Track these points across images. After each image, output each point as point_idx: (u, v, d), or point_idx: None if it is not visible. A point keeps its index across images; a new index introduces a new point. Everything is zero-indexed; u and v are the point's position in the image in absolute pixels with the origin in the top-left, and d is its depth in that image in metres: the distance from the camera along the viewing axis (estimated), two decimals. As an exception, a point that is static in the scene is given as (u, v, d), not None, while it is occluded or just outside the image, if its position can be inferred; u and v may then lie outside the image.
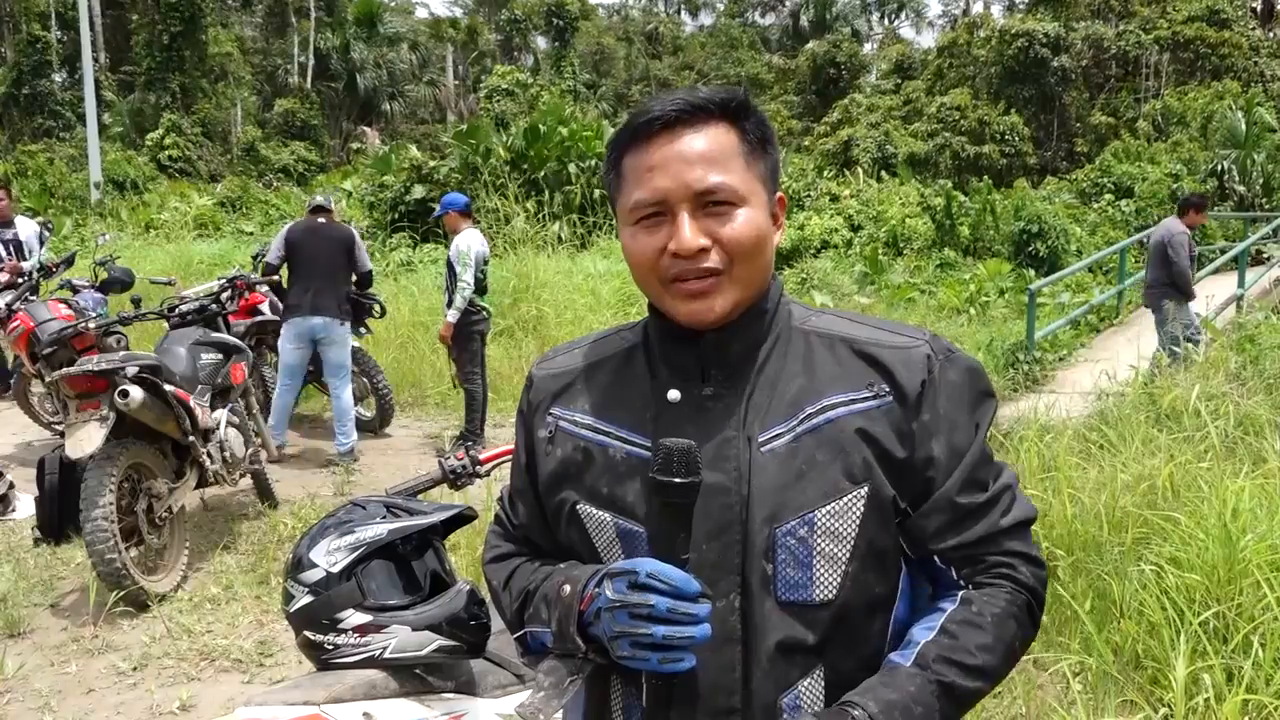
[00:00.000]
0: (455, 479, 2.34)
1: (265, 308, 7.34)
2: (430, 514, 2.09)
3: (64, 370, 4.59)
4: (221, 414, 5.27)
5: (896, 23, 53.88)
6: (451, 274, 6.85)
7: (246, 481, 5.74)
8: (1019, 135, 26.68)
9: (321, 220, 6.94)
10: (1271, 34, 30.02)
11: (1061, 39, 27.51)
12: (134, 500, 4.64)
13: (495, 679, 2.11)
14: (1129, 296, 12.85)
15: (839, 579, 1.18)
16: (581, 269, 11.61)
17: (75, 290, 7.58)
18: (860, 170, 23.31)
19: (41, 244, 8.45)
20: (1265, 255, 14.30)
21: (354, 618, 1.94)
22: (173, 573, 4.73)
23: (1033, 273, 13.82)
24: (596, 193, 15.77)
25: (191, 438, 4.85)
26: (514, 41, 48.08)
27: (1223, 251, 13.81)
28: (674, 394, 1.22)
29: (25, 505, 5.75)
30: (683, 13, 60.25)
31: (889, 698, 1.13)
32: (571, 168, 15.90)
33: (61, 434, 5.11)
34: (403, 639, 1.94)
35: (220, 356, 5.36)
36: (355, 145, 34.18)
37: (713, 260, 1.18)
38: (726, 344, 1.23)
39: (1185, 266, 8.42)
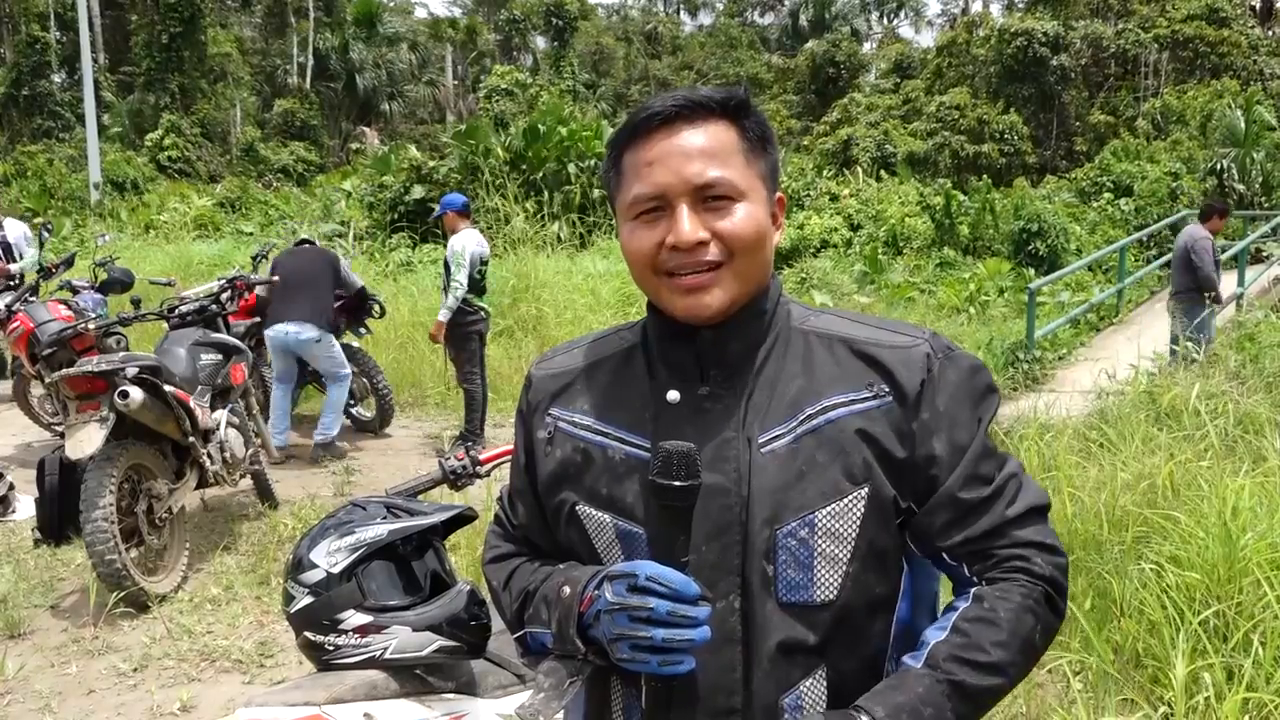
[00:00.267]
0: (455, 479, 2.35)
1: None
2: (430, 514, 2.09)
3: (64, 371, 4.60)
4: (221, 414, 5.27)
5: (896, 22, 53.90)
6: (449, 274, 6.85)
7: (246, 482, 5.74)
8: (1018, 134, 26.67)
9: (305, 245, 7.19)
10: (1270, 32, 30.01)
11: (1060, 38, 27.50)
12: (134, 501, 4.64)
13: (496, 679, 2.11)
14: (1129, 295, 12.85)
15: (840, 580, 1.18)
16: (581, 269, 11.61)
17: (75, 291, 7.58)
18: (859, 169, 23.30)
19: (41, 245, 8.45)
20: (1265, 254, 14.30)
21: (354, 618, 1.94)
22: (173, 573, 4.73)
23: (1032, 271, 13.81)
24: (596, 192, 15.77)
25: (191, 438, 4.85)
26: (513, 41, 48.07)
27: (1222, 250, 13.79)
28: (673, 395, 1.22)
29: (25, 506, 5.76)
30: (682, 12, 60.25)
31: (896, 700, 1.13)
32: (571, 168, 15.89)
33: (61, 435, 5.11)
34: (403, 639, 1.95)
35: (220, 357, 5.36)
36: (354, 145, 34.18)
37: (712, 254, 1.18)
38: (725, 343, 1.23)
39: (1210, 271, 8.44)
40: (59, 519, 5.12)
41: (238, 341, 5.67)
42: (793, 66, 39.68)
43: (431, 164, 16.54)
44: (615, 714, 1.27)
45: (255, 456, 5.60)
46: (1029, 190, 19.30)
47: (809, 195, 18.49)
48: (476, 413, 7.11)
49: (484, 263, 7.01)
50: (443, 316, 6.87)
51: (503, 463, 2.37)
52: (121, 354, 5.05)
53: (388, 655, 1.94)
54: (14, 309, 6.93)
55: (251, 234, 17.84)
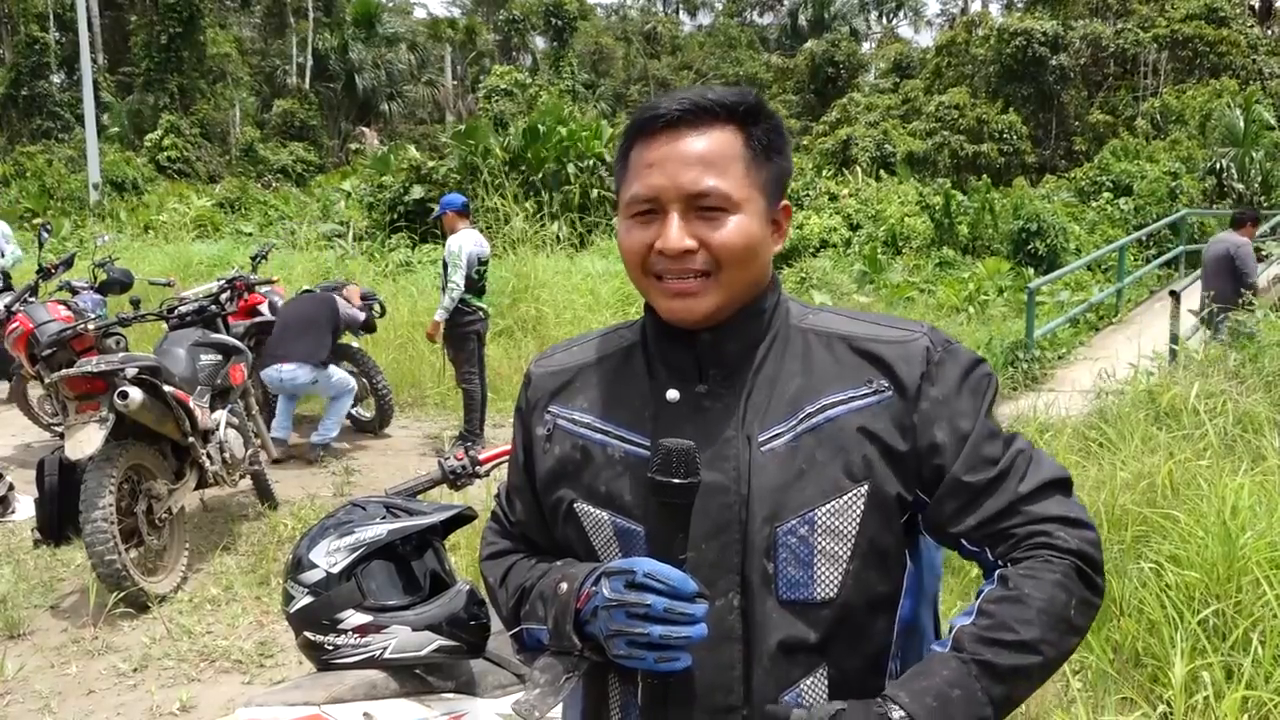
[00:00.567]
0: (455, 479, 2.35)
1: (264, 308, 7.35)
2: (430, 514, 2.09)
3: (63, 372, 4.60)
4: (221, 415, 5.27)
5: (895, 22, 53.88)
6: (447, 274, 6.86)
7: (246, 482, 5.74)
8: (1017, 134, 26.66)
9: (306, 294, 7.25)
10: (1270, 32, 30.02)
11: (1060, 37, 27.49)
12: (134, 501, 4.64)
13: (495, 679, 2.11)
14: (1128, 294, 12.85)
15: (840, 577, 1.18)
16: (580, 269, 11.62)
17: (74, 291, 7.59)
18: (859, 169, 23.30)
19: (40, 245, 8.44)
20: (1264, 253, 14.29)
21: (354, 618, 1.94)
22: (172, 574, 4.73)
23: (1032, 271, 13.81)
24: (595, 192, 15.77)
25: (191, 439, 4.85)
26: (512, 41, 48.05)
27: (1221, 249, 13.79)
28: (673, 394, 1.23)
29: (25, 507, 5.75)
30: (681, 12, 60.23)
31: (921, 685, 1.11)
32: (570, 168, 15.90)
33: (61, 435, 5.12)
34: (403, 639, 1.95)
35: (219, 357, 5.36)
36: (354, 146, 34.16)
37: (699, 262, 1.18)
38: (723, 343, 1.23)
39: (1257, 278, 8.36)
40: (59, 519, 5.12)
41: (237, 342, 5.67)
42: (792, 66, 39.67)
43: (431, 164, 16.54)
44: (613, 711, 1.27)
45: (255, 457, 5.60)
46: (1028, 190, 19.31)
47: (808, 195, 18.49)
48: (476, 413, 7.11)
49: (483, 263, 7.01)
50: (439, 317, 6.88)
51: (502, 462, 2.37)
52: (121, 354, 5.05)
53: (387, 655, 1.94)
54: (13, 309, 6.93)
55: (251, 234, 17.84)
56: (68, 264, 8.03)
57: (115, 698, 3.78)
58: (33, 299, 7.14)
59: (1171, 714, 3.03)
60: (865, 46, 46.63)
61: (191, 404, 4.86)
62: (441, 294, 6.91)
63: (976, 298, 12.59)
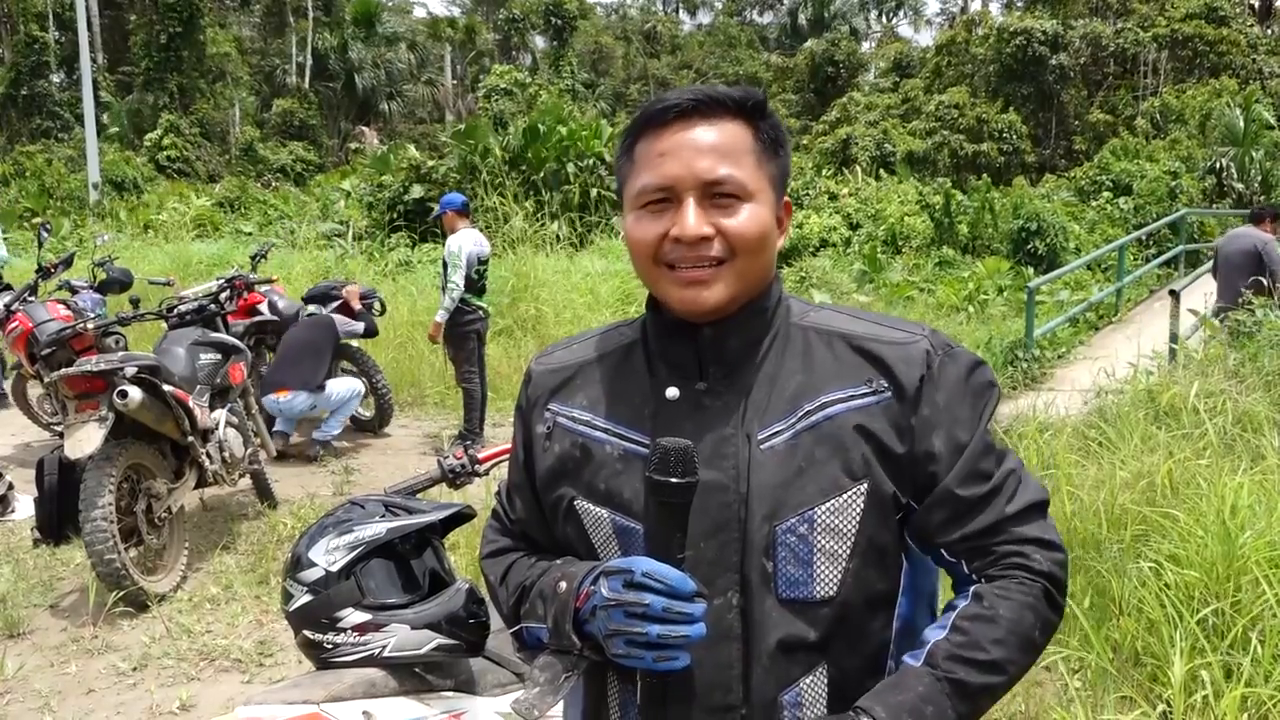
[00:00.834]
0: (454, 478, 2.35)
1: (264, 308, 7.35)
2: (429, 513, 2.09)
3: (62, 371, 4.59)
4: (220, 414, 5.27)
5: (895, 21, 53.87)
6: (447, 274, 6.86)
7: (246, 481, 5.74)
8: (1017, 133, 26.67)
9: (309, 317, 7.25)
10: (1269, 31, 30.02)
11: (1060, 37, 27.50)
12: (133, 500, 4.64)
13: (495, 677, 2.11)
14: (1127, 294, 12.84)
15: (840, 576, 1.18)
16: (580, 268, 11.62)
17: (74, 291, 7.58)
18: (859, 168, 23.29)
19: (40, 245, 8.44)
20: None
21: (353, 616, 1.94)
22: (172, 573, 4.73)
23: (1031, 270, 13.80)
24: (595, 192, 15.76)
25: (190, 438, 4.85)
26: (512, 41, 48.03)
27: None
28: (672, 391, 1.23)
29: (24, 506, 5.75)
30: (680, 11, 60.23)
31: (897, 700, 1.13)
32: (570, 167, 15.89)
33: (60, 435, 5.11)
34: (402, 638, 1.95)
35: (219, 356, 5.36)
36: (354, 145, 34.13)
37: (714, 250, 1.18)
38: (724, 340, 1.23)
39: None
40: (58, 518, 5.12)
41: (236, 341, 5.67)
42: (791, 65, 39.66)
43: (431, 163, 16.53)
44: (612, 710, 1.27)
45: (254, 456, 5.60)
46: (1028, 189, 19.31)
47: (808, 194, 18.49)
48: (475, 412, 7.11)
49: (482, 262, 7.01)
50: (440, 318, 6.88)
51: (501, 461, 2.37)
52: (120, 354, 5.05)
53: (386, 653, 1.94)
54: (13, 309, 6.93)
55: (250, 234, 17.84)
56: (67, 263, 8.03)
57: (115, 697, 3.78)
58: (32, 298, 7.14)
59: (1171, 713, 3.03)
60: (865, 46, 46.62)
61: (191, 403, 4.86)
62: (441, 294, 6.91)
63: (976, 297, 12.59)
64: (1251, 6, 30.65)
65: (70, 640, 4.22)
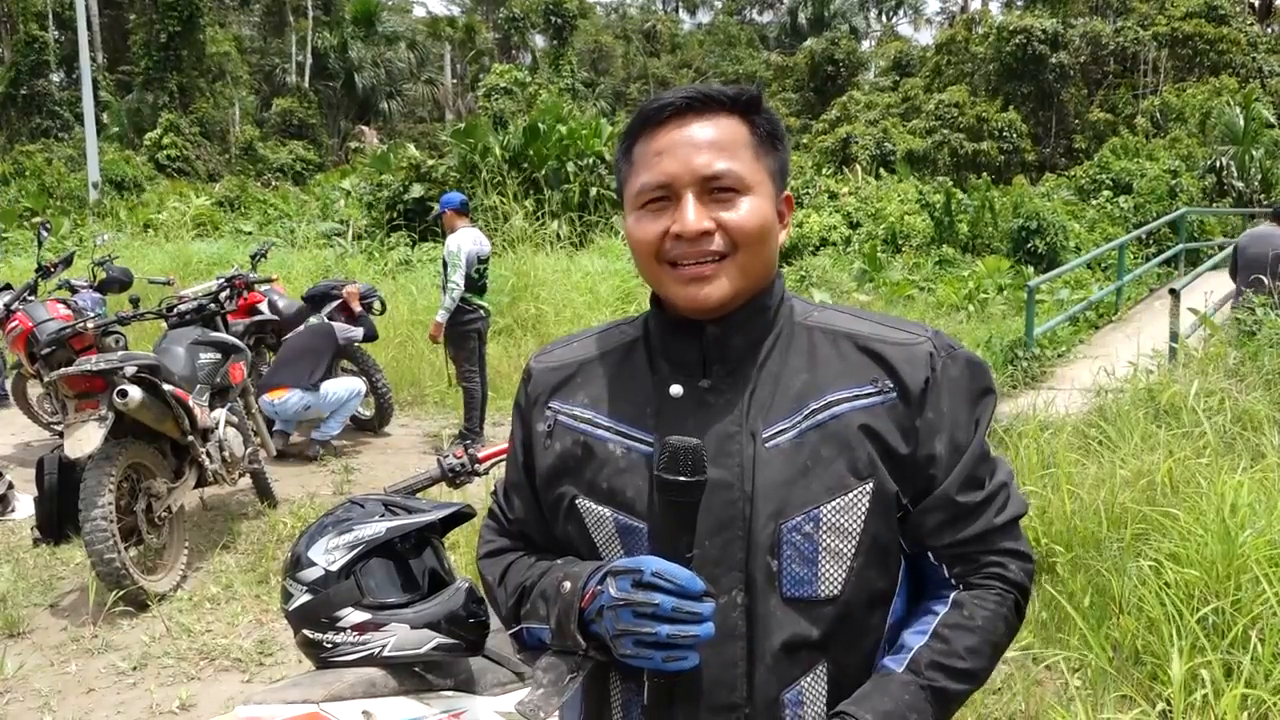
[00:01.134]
0: (454, 477, 2.34)
1: (264, 307, 7.35)
2: (429, 512, 2.09)
3: (62, 370, 4.59)
4: (220, 413, 5.26)
5: (895, 20, 53.88)
6: (447, 274, 6.86)
7: (246, 481, 5.74)
8: (1017, 132, 26.67)
9: (310, 323, 7.25)
10: (1269, 29, 30.02)
11: (1060, 35, 27.50)
12: (133, 500, 4.64)
13: (494, 677, 2.11)
14: (1127, 293, 12.84)
15: (844, 575, 1.19)
16: (580, 267, 11.61)
17: (74, 290, 7.58)
18: (859, 167, 23.30)
19: (40, 244, 8.44)
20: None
21: (353, 616, 1.94)
22: (172, 572, 4.73)
23: (1031, 269, 13.80)
24: (595, 191, 15.75)
25: (190, 437, 4.85)
26: (512, 40, 48.03)
27: (1220, 248, 13.80)
28: (676, 389, 1.23)
29: (24, 505, 5.76)
30: (680, 10, 60.23)
31: (885, 708, 1.15)
32: (570, 166, 15.87)
33: (60, 434, 5.11)
34: (401, 637, 1.95)
35: (219, 356, 5.36)
36: (353, 144, 34.15)
37: (716, 245, 1.18)
38: (728, 338, 1.23)
39: None
40: (58, 518, 5.12)
41: (236, 340, 5.67)
42: (791, 64, 39.65)
43: (430, 163, 16.52)
44: (615, 710, 1.26)
45: (254, 455, 5.60)
46: (1028, 188, 19.30)
47: (808, 193, 18.49)
48: (475, 411, 7.11)
49: (483, 261, 7.00)
50: (440, 317, 6.88)
51: (501, 460, 2.37)
52: (120, 353, 5.05)
53: (386, 653, 1.94)
54: (13, 308, 6.93)
55: (250, 233, 17.84)
56: (67, 262, 8.03)
57: (115, 696, 3.78)
58: (32, 297, 7.14)
59: (1170, 712, 3.03)
60: (865, 44, 46.65)
61: (191, 402, 4.86)
62: (442, 294, 6.91)
63: (976, 296, 12.59)
64: (1251, 5, 30.66)
65: (70, 640, 4.22)
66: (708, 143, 1.19)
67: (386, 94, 41.86)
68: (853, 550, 1.19)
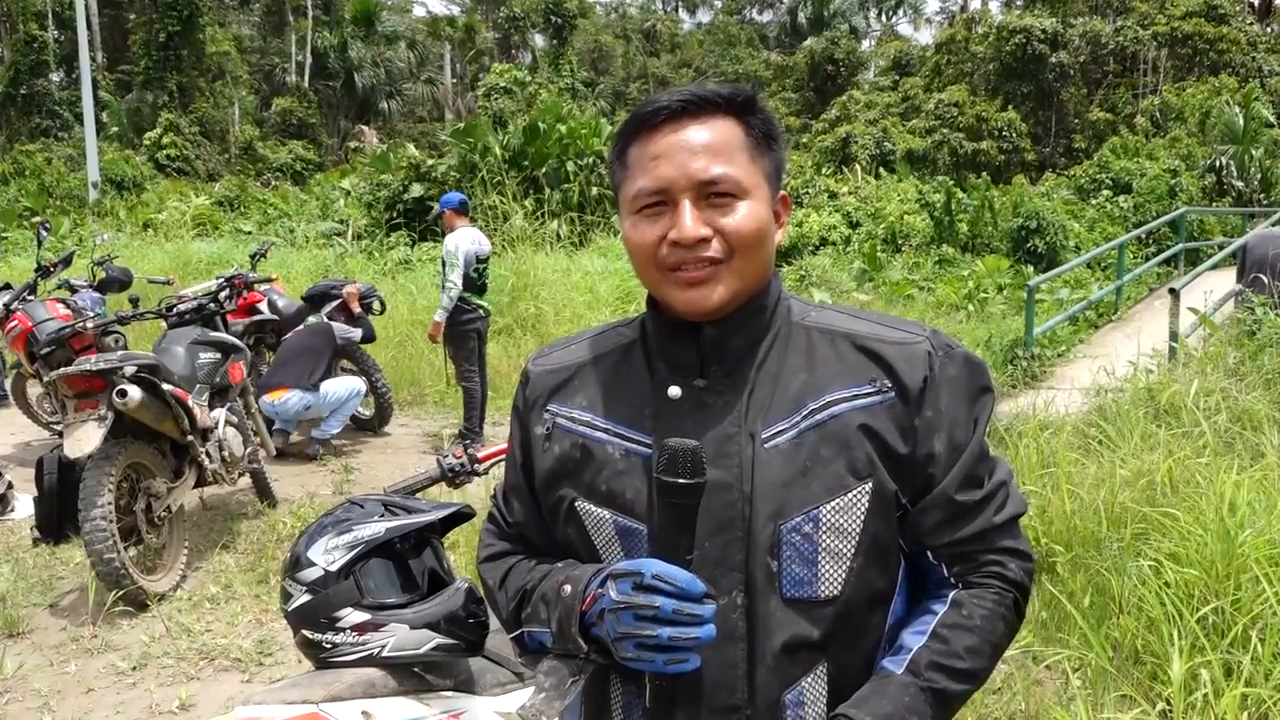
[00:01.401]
0: (453, 477, 2.35)
1: (263, 307, 7.34)
2: (428, 512, 2.08)
3: (62, 370, 4.59)
4: (220, 413, 5.26)
5: (894, 19, 53.88)
6: (445, 274, 6.86)
7: (245, 481, 5.74)
8: (1017, 132, 26.68)
9: (309, 323, 7.24)
10: (1269, 29, 30.03)
11: (1059, 35, 27.51)
12: (133, 500, 4.63)
13: (494, 677, 2.11)
14: (1127, 292, 12.83)
15: (844, 575, 1.19)
16: (580, 267, 11.61)
17: (73, 290, 7.58)
18: (858, 167, 23.30)
19: (40, 244, 8.44)
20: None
21: (352, 616, 1.94)
22: (172, 572, 4.72)
23: (1031, 269, 13.80)
24: (594, 190, 15.75)
25: (190, 437, 4.84)
26: (512, 39, 48.03)
27: (1220, 247, 13.81)
28: (674, 390, 1.22)
29: (24, 505, 5.75)
30: (680, 10, 60.23)
31: (886, 710, 1.15)
32: (570, 165, 15.88)
33: (60, 434, 5.11)
34: (401, 637, 1.94)
35: (218, 355, 5.36)
36: (353, 144, 34.15)
37: (713, 250, 1.18)
38: (726, 339, 1.22)
39: None
40: (58, 518, 5.11)
41: (236, 340, 5.67)
42: (791, 64, 39.67)
43: (430, 162, 16.53)
44: (615, 713, 1.26)
45: (254, 455, 5.60)
46: (1028, 187, 19.30)
47: (808, 193, 18.49)
48: (475, 411, 7.10)
49: (482, 261, 7.00)
50: (439, 317, 6.88)
51: (500, 460, 2.37)
52: (120, 353, 5.04)
53: (386, 653, 1.94)
54: (12, 308, 6.93)
55: (250, 233, 17.84)
56: (66, 262, 8.02)
57: (114, 696, 3.78)
58: (31, 297, 7.14)
59: (1171, 711, 3.03)
60: (865, 44, 46.66)
61: (190, 402, 4.86)
62: (441, 293, 6.91)
63: (976, 295, 12.58)
64: (1251, 5, 30.66)
65: (70, 639, 4.22)
66: (703, 146, 1.18)
67: (386, 94, 41.86)
68: (852, 550, 1.18)
